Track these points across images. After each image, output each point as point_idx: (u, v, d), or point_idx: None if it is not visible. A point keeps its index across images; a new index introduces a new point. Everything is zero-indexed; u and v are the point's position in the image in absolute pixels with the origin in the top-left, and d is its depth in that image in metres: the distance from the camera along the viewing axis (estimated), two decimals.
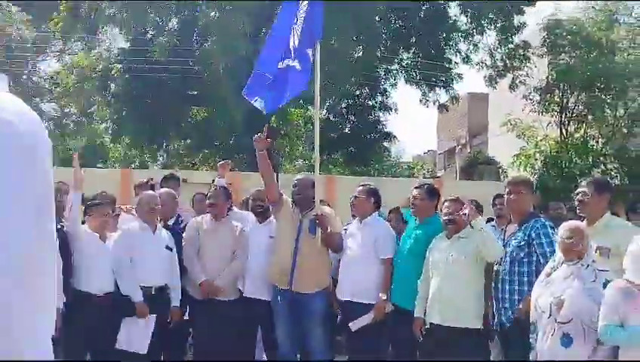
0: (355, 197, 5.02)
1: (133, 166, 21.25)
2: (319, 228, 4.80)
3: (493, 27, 15.62)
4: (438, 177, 25.04)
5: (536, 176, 13.16)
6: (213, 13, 14.23)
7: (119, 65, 15.24)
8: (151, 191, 5.16)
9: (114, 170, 17.04)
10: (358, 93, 16.88)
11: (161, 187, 5.77)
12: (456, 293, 4.21)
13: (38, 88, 25.97)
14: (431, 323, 4.35)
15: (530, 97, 14.89)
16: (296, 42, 4.90)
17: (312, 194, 4.96)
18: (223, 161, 6.39)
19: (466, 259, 4.25)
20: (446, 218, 4.44)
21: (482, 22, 15.47)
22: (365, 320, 4.65)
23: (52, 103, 25.84)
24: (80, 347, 4.45)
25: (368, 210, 4.99)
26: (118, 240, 4.68)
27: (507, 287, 4.13)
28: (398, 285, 4.70)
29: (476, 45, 16.06)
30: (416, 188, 4.88)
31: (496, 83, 16.27)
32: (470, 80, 66.38)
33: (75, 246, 4.41)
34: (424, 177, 24.42)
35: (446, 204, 4.47)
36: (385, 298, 4.69)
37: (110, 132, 18.80)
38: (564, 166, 13.40)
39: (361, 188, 5.07)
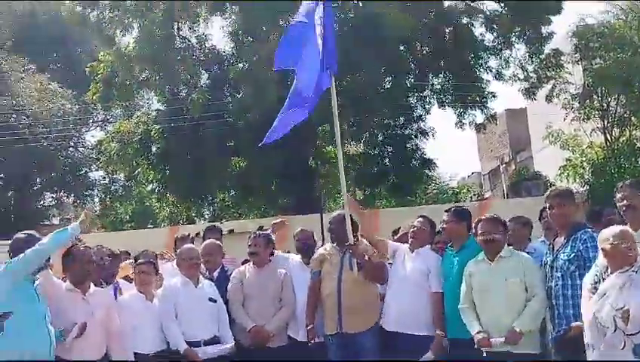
0: (417, 228, 4.90)
1: (181, 222, 21.65)
2: (354, 258, 4.71)
3: (521, 40, 15.47)
4: (485, 199, 24.60)
5: (586, 185, 12.78)
6: (241, 65, 14.57)
7: (157, 127, 15.67)
8: (190, 245, 5.20)
9: (162, 229, 17.36)
10: (392, 123, 16.84)
11: (204, 239, 5.82)
12: (514, 317, 4.04)
13: (84, 158, 27.02)
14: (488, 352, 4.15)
15: (570, 106, 14.58)
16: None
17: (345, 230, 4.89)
18: (278, 221, 6.35)
19: (519, 280, 4.09)
20: (481, 239, 4.30)
21: (509, 36, 15.36)
22: (427, 358, 4.51)
23: (99, 171, 26.80)
24: None
25: (426, 241, 4.89)
26: (162, 298, 4.71)
27: (561, 302, 3.93)
28: (449, 316, 4.54)
29: (507, 60, 15.91)
30: (445, 211, 4.78)
31: (533, 95, 16.02)
32: (506, 96, 65.63)
33: (120, 307, 4.46)
34: (471, 200, 24.03)
35: (481, 224, 4.33)
36: (442, 334, 4.54)
37: (156, 192, 19.23)
38: (612, 172, 12.98)
39: (422, 219, 4.96)
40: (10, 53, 21.87)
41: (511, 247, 4.37)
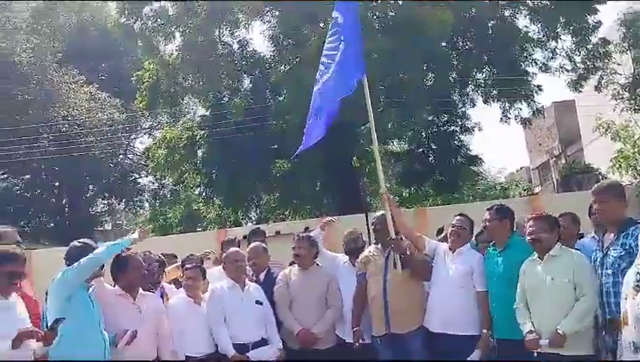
0: (457, 227, 4.84)
1: (227, 225, 21.94)
2: (397, 252, 4.68)
3: (567, 30, 15.08)
4: (535, 194, 24.05)
5: (639, 177, 12.35)
6: (282, 68, 14.67)
7: (202, 132, 15.94)
8: (236, 248, 5.27)
9: (210, 232, 17.62)
10: (436, 120, 16.68)
11: (249, 242, 5.88)
12: (560, 319, 3.94)
13: (133, 165, 27.72)
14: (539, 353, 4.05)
15: (620, 96, 14.13)
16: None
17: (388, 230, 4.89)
18: (327, 219, 6.36)
19: (567, 280, 3.98)
20: (529, 238, 4.21)
21: (555, 27, 14.98)
22: (475, 357, 4.45)
23: (148, 177, 27.44)
24: None
25: (466, 240, 4.83)
26: (210, 302, 4.78)
27: (612, 300, 3.80)
28: (496, 316, 4.47)
29: (553, 52, 15.53)
30: (487, 210, 4.69)
31: (580, 87, 15.58)
32: (553, 88, 64.02)
33: (170, 311, 4.56)
34: (520, 196, 23.52)
35: (529, 223, 4.23)
36: (488, 333, 4.48)
37: (203, 196, 19.55)
38: None
39: (460, 218, 4.91)
40: (61, 66, 22.59)
41: (561, 245, 4.24)
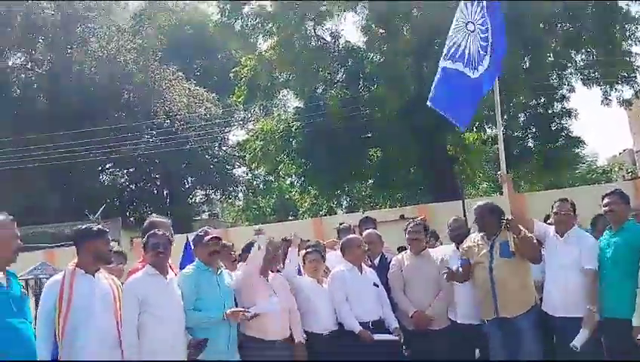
0: (557, 213, 4.91)
1: (320, 214, 22.43)
2: (512, 233, 4.82)
3: None
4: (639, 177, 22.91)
5: None
6: (377, 58, 14.84)
7: (297, 123, 16.41)
8: (355, 235, 5.57)
9: (306, 221, 18.14)
10: (534, 103, 16.30)
11: (360, 229, 6.17)
12: None
13: (228, 156, 28.77)
14: None
15: None
16: (474, 49, 5.07)
17: (495, 220, 5.01)
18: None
19: None
20: None
21: None
22: (582, 337, 4.52)
23: (242, 168, 28.41)
24: None
25: (570, 224, 4.90)
26: (333, 283, 5.11)
27: None
28: (605, 296, 4.54)
29: None
30: (607, 195, 4.72)
31: None
32: None
33: (297, 292, 4.93)
34: (624, 180, 22.48)
35: None
36: (594, 309, 4.54)
37: (298, 185, 20.11)
38: None
39: (560, 202, 4.97)
40: (161, 64, 23.81)
41: None
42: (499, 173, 5.30)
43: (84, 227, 4.14)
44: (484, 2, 5.23)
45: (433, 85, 5.35)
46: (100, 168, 25.44)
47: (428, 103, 5.31)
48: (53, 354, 3.79)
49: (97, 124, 20.98)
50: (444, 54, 5.30)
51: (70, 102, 21.37)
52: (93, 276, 4.01)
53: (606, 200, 4.70)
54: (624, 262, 4.43)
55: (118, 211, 23.93)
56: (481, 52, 5.17)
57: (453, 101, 5.24)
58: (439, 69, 5.32)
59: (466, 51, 5.17)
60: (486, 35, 5.19)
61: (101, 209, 15.21)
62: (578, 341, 4.49)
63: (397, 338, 4.99)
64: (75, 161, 20.58)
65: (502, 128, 5.41)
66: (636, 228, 4.53)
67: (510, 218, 4.88)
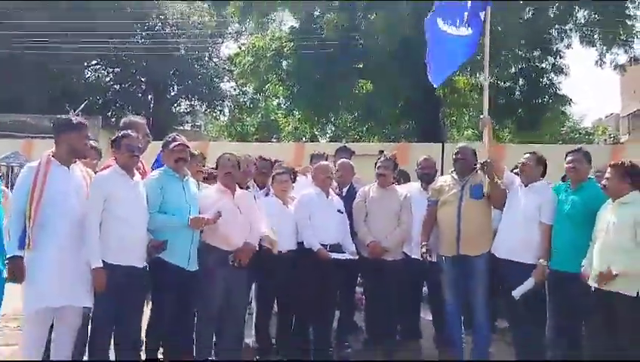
0: (523, 163, 5.07)
1: (303, 139, 22.46)
2: (486, 175, 5.02)
3: None
4: (620, 143, 23.19)
5: None
6: None
7: (291, 44, 16.14)
8: (326, 162, 5.69)
9: (287, 144, 18.20)
10: (528, 56, 16.18)
11: (335, 157, 6.28)
12: (614, 260, 4.14)
13: (217, 69, 28.35)
14: (595, 288, 4.31)
15: None
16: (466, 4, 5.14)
17: (473, 161, 5.21)
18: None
19: (627, 226, 4.13)
20: (601, 184, 4.41)
21: None
22: (527, 286, 4.76)
23: (230, 83, 28.06)
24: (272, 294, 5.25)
25: (535, 176, 5.04)
26: (299, 205, 5.29)
27: None
28: (557, 250, 4.74)
29: None
30: (570, 153, 4.86)
31: None
32: None
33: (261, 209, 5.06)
34: (605, 143, 22.77)
35: (608, 170, 4.37)
36: (545, 263, 4.76)
37: (283, 108, 20.00)
38: None
39: (528, 155, 5.11)
40: None
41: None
42: (481, 117, 5.39)
43: (63, 118, 4.19)
44: None
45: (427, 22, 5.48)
46: (85, 64, 24.94)
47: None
48: (20, 240, 3.88)
49: (86, 17, 20.38)
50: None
51: None
52: (68, 168, 4.08)
53: (569, 158, 4.84)
54: (579, 219, 4.61)
55: (100, 110, 23.69)
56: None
57: (437, 57, 5.52)
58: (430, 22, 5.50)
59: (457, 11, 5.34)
60: None
61: (82, 105, 15.09)
62: (519, 291, 4.74)
63: (353, 257, 5.20)
64: (61, 52, 20.14)
65: (490, 76, 5.46)
66: (595, 188, 4.67)
67: (488, 161, 5.01)
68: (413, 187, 5.91)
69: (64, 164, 4.06)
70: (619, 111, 28.04)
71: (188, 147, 4.59)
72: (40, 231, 3.89)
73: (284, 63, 17.25)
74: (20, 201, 3.90)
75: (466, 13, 5.34)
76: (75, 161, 4.16)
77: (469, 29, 5.36)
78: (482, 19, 5.32)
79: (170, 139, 4.58)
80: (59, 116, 4.32)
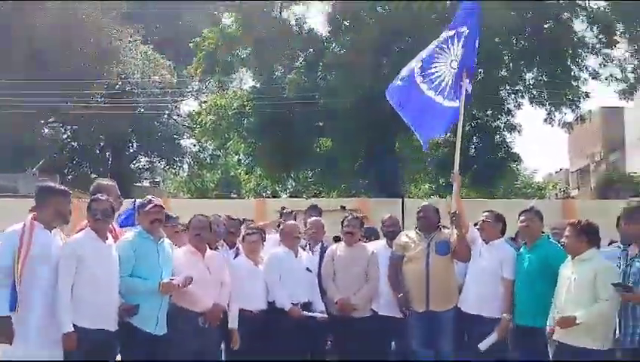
0: (483, 221, 5.30)
1: (264, 195, 22.53)
2: (456, 229, 5.20)
3: (624, 37, 15.04)
4: (571, 197, 24.02)
5: None
6: (338, 49, 14.99)
7: (252, 103, 16.41)
8: (293, 222, 5.81)
9: (249, 201, 18.22)
10: (480, 114, 16.82)
11: (306, 216, 6.45)
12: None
13: (177, 126, 28.38)
14: (559, 342, 4.46)
15: None
16: (450, 78, 5.42)
17: (436, 219, 5.44)
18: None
19: (586, 282, 4.32)
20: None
21: (612, 34, 14.94)
22: (492, 339, 4.92)
23: (191, 139, 28.09)
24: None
25: (495, 234, 5.26)
26: (269, 264, 5.36)
27: (638, 310, 4.17)
28: (519, 304, 4.96)
29: (606, 58, 15.49)
30: (523, 212, 5.11)
31: (630, 96, 15.57)
32: (604, 93, 62.58)
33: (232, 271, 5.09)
34: (557, 198, 23.52)
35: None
36: (509, 317, 4.93)
37: (244, 164, 20.12)
38: None
39: (487, 213, 5.34)
40: (122, 24, 23.16)
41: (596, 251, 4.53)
42: (453, 171, 5.61)
43: (49, 184, 4.42)
44: (464, 33, 5.54)
45: (399, 89, 5.67)
46: (42, 121, 24.63)
47: (398, 110, 5.65)
48: (11, 303, 3.88)
49: (44, 75, 20.24)
50: (418, 67, 5.62)
51: (19, 46, 20.50)
52: (50, 232, 4.13)
53: (522, 217, 5.10)
54: (537, 275, 4.85)
55: (57, 167, 23.30)
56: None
57: (423, 121, 5.66)
58: (408, 76, 5.64)
59: (445, 86, 5.54)
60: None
61: (40, 163, 14.92)
62: (485, 344, 4.89)
63: (323, 316, 5.27)
64: (17, 110, 19.87)
65: (458, 134, 5.72)
66: (550, 246, 4.93)
67: (456, 212, 5.21)
68: (379, 244, 6.06)
69: (47, 227, 4.12)
70: (568, 167, 29.13)
71: (164, 208, 4.64)
72: (29, 285, 3.93)
73: (246, 122, 17.46)
74: (6, 260, 3.91)
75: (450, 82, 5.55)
76: (56, 227, 4.21)
77: (457, 101, 5.61)
78: (464, 89, 5.53)
79: (145, 201, 4.63)
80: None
